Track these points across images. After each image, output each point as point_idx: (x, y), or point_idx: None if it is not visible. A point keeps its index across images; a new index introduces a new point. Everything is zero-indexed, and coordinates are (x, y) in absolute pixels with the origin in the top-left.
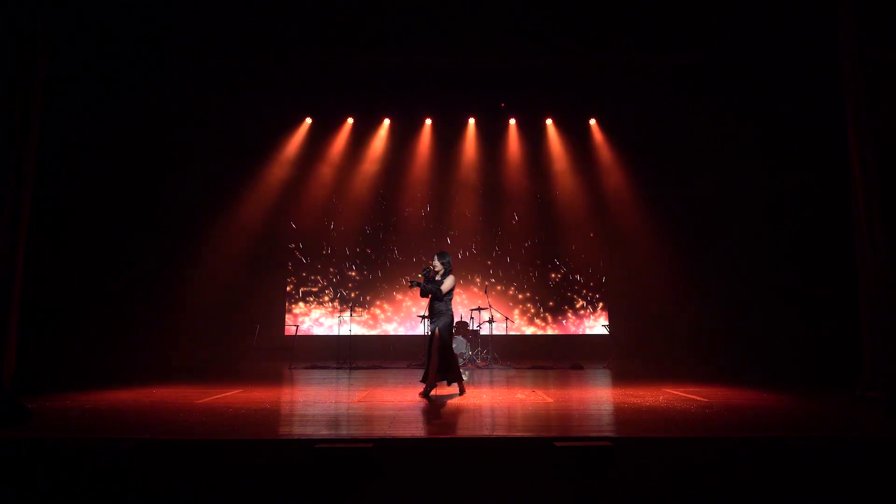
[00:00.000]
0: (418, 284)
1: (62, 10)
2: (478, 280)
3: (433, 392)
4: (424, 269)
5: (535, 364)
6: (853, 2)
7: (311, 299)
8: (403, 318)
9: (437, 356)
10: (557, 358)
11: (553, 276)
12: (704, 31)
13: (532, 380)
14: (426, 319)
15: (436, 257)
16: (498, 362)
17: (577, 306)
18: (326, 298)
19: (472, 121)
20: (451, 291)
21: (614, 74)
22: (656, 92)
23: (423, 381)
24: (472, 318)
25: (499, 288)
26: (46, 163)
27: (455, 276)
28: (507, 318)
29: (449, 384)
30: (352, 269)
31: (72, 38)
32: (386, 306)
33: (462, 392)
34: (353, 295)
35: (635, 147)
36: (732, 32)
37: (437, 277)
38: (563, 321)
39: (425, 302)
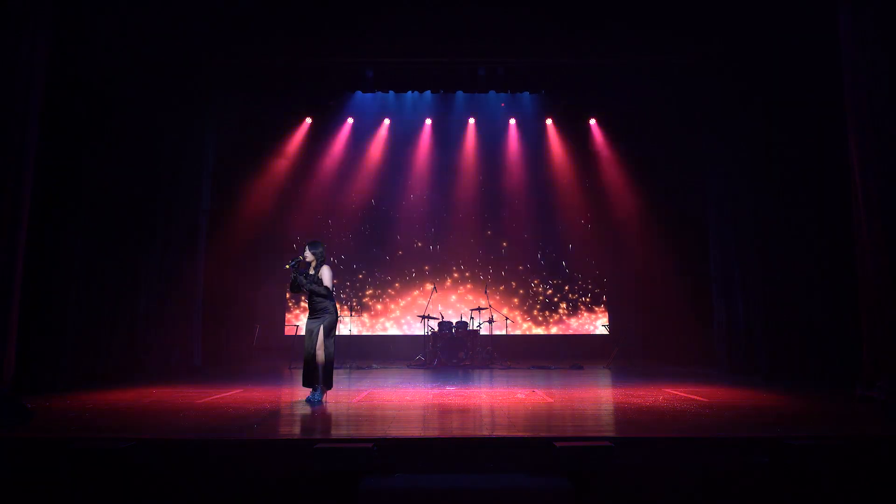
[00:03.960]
0: (296, 266)
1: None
2: (478, 280)
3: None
4: (293, 260)
5: (535, 364)
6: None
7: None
8: (403, 318)
9: (324, 354)
10: (557, 358)
11: (553, 276)
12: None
13: (532, 380)
14: (426, 320)
15: (307, 247)
16: (498, 362)
17: (577, 306)
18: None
19: (472, 121)
20: (332, 285)
21: (614, 74)
22: (656, 92)
23: (306, 385)
24: (472, 317)
25: (501, 286)
26: (45, 162)
27: (331, 268)
28: (507, 318)
29: (305, 385)
30: (351, 269)
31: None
32: (392, 305)
33: (312, 398)
34: (354, 298)
35: (636, 147)
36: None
37: (311, 270)
38: (563, 321)
39: (425, 302)
